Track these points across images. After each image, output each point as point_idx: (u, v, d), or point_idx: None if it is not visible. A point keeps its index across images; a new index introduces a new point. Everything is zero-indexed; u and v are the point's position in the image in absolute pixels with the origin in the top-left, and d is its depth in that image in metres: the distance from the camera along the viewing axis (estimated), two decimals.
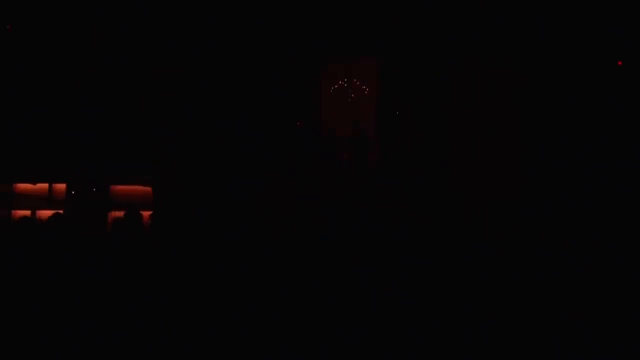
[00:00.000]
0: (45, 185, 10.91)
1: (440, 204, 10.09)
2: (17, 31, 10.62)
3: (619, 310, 5.50)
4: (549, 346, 5.13)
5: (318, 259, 8.45)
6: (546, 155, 9.77)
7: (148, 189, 10.51)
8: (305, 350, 5.50)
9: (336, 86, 12.16)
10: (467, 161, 10.33)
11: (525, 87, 10.07)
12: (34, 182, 10.81)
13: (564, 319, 5.57)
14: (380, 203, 10.21)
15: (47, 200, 10.66)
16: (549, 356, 4.81)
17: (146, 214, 10.18)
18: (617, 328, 5.04)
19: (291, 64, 11.26)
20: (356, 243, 9.23)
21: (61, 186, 10.85)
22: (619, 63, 9.63)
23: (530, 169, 9.84)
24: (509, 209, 9.62)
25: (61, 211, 10.48)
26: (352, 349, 5.44)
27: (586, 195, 9.25)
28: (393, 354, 5.34)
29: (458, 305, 7.14)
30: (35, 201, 10.59)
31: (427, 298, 7.25)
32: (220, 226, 9.51)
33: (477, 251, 8.89)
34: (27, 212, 10.57)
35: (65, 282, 7.36)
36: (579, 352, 4.80)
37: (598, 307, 5.67)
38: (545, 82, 9.85)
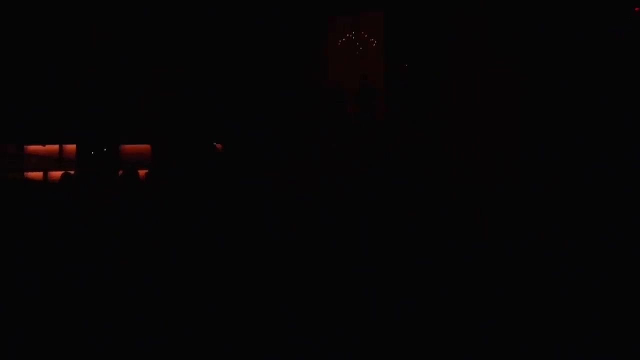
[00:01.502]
0: (56, 147, 11.00)
1: (446, 159, 10.05)
2: None
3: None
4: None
5: (321, 217, 8.49)
6: (552, 114, 9.63)
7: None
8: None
9: (344, 39, 12.00)
10: (472, 114, 10.23)
11: (533, 38, 9.87)
12: (44, 143, 10.91)
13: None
14: (387, 156, 10.19)
15: (57, 160, 10.77)
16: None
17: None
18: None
19: (297, 16, 11.10)
20: (362, 199, 9.24)
21: (71, 147, 10.94)
22: (636, 9, 9.38)
23: (533, 123, 9.72)
24: (510, 160, 9.57)
25: (72, 172, 10.62)
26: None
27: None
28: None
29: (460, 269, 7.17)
30: (46, 162, 10.71)
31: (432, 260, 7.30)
32: (222, 183, 9.56)
33: (477, 206, 8.87)
34: (39, 174, 10.72)
35: (74, 240, 7.49)
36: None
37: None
38: (552, 29, 9.63)
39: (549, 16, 9.67)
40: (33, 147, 10.85)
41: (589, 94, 9.44)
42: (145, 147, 10.69)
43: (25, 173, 10.64)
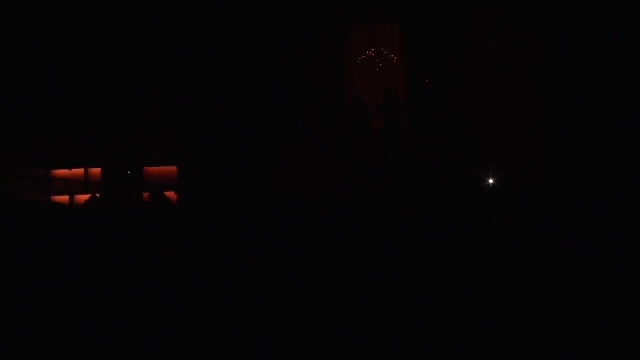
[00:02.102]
0: (81, 170, 11.07)
1: (469, 169, 10.00)
2: (54, 20, 10.77)
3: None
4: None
5: (345, 227, 8.46)
6: (575, 118, 9.58)
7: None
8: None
9: (364, 56, 12.00)
10: (495, 125, 10.20)
11: (550, 61, 9.89)
12: (70, 167, 10.99)
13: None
14: (411, 169, 10.15)
15: (83, 184, 10.83)
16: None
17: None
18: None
19: (315, 33, 11.13)
20: (383, 209, 9.21)
21: (96, 170, 11.00)
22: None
23: (557, 135, 9.69)
24: (533, 172, 9.56)
25: (98, 195, 10.67)
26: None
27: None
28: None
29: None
30: (72, 185, 10.77)
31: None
32: (247, 198, 9.55)
33: (507, 212, 8.80)
34: (65, 197, 10.78)
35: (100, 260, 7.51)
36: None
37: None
38: (566, 48, 9.63)
39: (567, 26, 9.65)
40: (60, 171, 10.92)
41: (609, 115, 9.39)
42: (168, 169, 10.72)
43: (52, 196, 10.71)
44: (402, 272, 7.08)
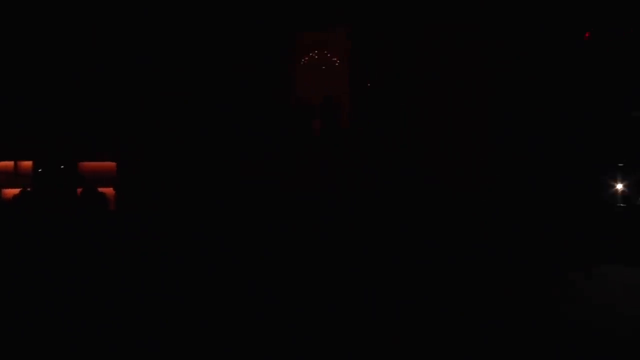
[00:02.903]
0: (11, 163, 10.65)
1: (411, 174, 10.15)
2: None
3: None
4: None
5: (289, 226, 8.47)
6: (514, 124, 9.85)
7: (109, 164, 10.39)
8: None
9: (307, 58, 12.05)
10: (437, 130, 10.38)
11: (496, 57, 10.09)
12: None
13: None
14: (351, 170, 10.24)
15: (13, 177, 10.41)
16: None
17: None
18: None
19: (261, 33, 11.08)
20: (329, 211, 9.25)
21: (27, 163, 10.60)
22: (586, 35, 9.70)
23: (497, 138, 9.92)
24: (476, 172, 9.75)
25: (28, 189, 10.29)
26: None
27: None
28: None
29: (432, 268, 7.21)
30: (1, 178, 10.35)
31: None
32: (190, 200, 9.42)
33: (448, 214, 8.99)
34: None
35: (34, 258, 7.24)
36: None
37: None
38: (516, 52, 9.88)
39: (513, 36, 9.91)
40: None
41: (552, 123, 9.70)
42: (104, 164, 10.43)
43: None
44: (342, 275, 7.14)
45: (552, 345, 4.79)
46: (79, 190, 9.91)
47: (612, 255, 7.86)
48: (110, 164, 10.37)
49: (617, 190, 9.42)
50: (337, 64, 12.04)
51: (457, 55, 10.41)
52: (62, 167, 10.47)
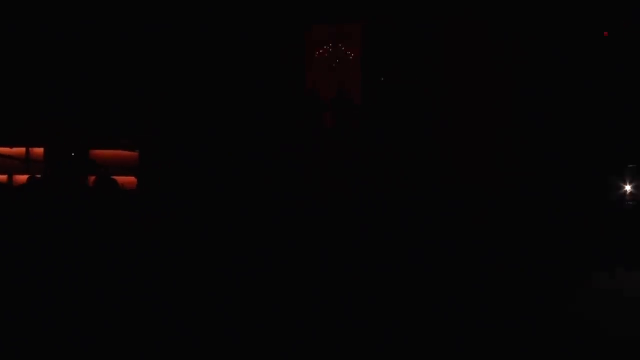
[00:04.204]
0: (22, 149, 10.63)
1: (423, 171, 10.11)
2: None
3: None
4: None
5: (295, 222, 8.45)
6: (536, 122, 9.79)
7: (131, 153, 10.34)
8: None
9: (321, 51, 11.98)
10: (452, 128, 10.32)
11: (513, 54, 10.03)
12: (11, 146, 10.53)
13: None
14: (362, 163, 10.21)
15: (24, 163, 10.41)
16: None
17: (127, 179, 10.04)
18: None
19: (275, 25, 11.01)
20: (337, 207, 9.22)
21: (39, 150, 10.59)
22: (605, 34, 9.63)
23: (519, 137, 9.87)
24: (494, 175, 9.71)
25: (38, 175, 10.25)
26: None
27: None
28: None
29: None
30: (12, 165, 10.33)
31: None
32: (206, 191, 9.41)
33: (461, 216, 8.96)
34: (3, 177, 10.33)
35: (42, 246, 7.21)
36: None
37: None
38: (534, 46, 9.80)
39: (529, 33, 9.84)
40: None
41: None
42: (119, 153, 10.41)
43: None
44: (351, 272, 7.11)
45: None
46: (92, 178, 9.88)
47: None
48: (132, 154, 10.34)
49: (626, 191, 9.49)
50: (351, 57, 11.98)
51: (472, 52, 10.35)
52: (74, 154, 10.44)
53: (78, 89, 10.35)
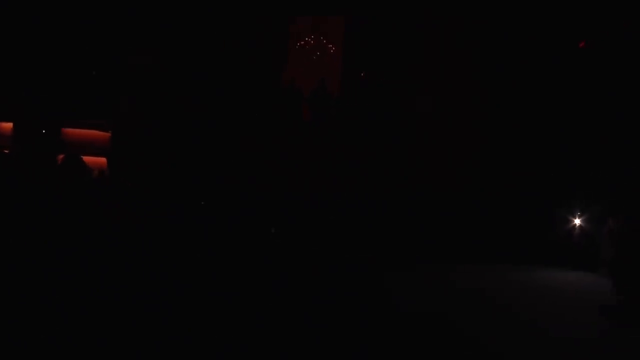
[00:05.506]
0: None
1: (398, 167, 10.11)
2: None
3: None
4: None
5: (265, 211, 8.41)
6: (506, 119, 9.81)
7: (103, 134, 10.13)
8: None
9: (302, 43, 11.90)
10: (429, 124, 10.32)
11: (490, 53, 10.03)
12: None
13: None
14: (338, 156, 10.17)
15: None
16: None
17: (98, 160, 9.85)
18: None
19: (260, 18, 10.88)
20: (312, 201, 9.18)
21: (7, 125, 10.31)
22: (581, 44, 9.65)
23: (492, 134, 9.88)
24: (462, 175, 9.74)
25: (6, 151, 10.00)
26: None
27: None
28: None
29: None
30: None
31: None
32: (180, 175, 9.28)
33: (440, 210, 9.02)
34: None
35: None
36: None
37: None
38: (511, 43, 9.80)
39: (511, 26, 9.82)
40: None
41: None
42: (90, 132, 10.17)
43: None
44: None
45: None
46: (60, 157, 9.65)
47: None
48: (104, 134, 10.12)
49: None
50: (332, 51, 11.92)
51: (452, 49, 10.33)
52: (44, 131, 10.20)
53: (51, 67, 10.09)
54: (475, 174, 9.68)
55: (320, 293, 6.06)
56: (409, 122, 10.46)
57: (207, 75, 10.36)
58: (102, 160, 9.77)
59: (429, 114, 10.30)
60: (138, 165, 9.49)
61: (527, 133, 9.56)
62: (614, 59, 8.70)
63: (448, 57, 10.38)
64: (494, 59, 10.04)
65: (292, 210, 9.13)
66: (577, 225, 8.24)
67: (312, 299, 5.82)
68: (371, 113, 10.75)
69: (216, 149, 9.97)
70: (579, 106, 9.08)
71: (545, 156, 9.29)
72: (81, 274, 5.50)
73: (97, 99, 9.95)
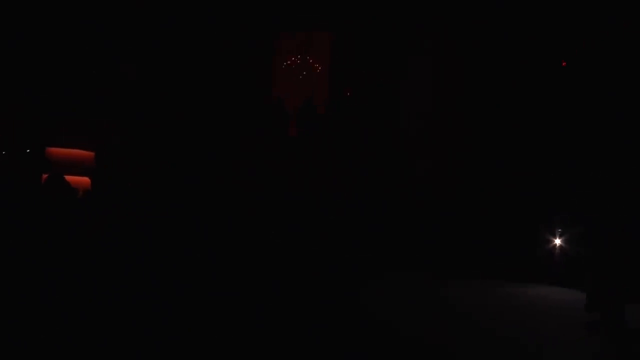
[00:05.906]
0: None
1: (385, 184, 10.14)
2: None
3: None
4: None
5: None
6: (494, 131, 9.84)
7: (88, 153, 10.08)
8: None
9: (288, 62, 11.97)
10: (419, 141, 10.37)
11: (474, 70, 10.11)
12: None
13: None
14: (323, 172, 10.20)
15: None
16: None
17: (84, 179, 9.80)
18: None
19: (244, 36, 10.94)
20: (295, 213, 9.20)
21: None
22: (563, 64, 9.73)
23: (483, 148, 9.92)
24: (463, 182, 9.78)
25: None
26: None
27: None
28: None
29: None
30: None
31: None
32: (167, 191, 9.26)
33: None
34: None
35: None
36: None
37: None
38: (497, 58, 9.86)
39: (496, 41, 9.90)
40: None
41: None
42: (74, 152, 10.12)
43: None
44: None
45: None
46: (44, 176, 9.60)
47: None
48: (88, 153, 10.08)
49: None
50: (319, 70, 11.99)
51: (437, 68, 10.42)
52: (28, 151, 10.15)
53: (35, 86, 10.07)
54: (462, 189, 9.72)
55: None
56: (395, 140, 10.52)
57: (192, 93, 10.39)
58: (86, 180, 9.73)
59: (414, 131, 10.37)
60: (122, 183, 9.46)
61: (510, 152, 9.62)
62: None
63: (434, 74, 10.47)
64: (480, 75, 10.11)
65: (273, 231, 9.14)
66: (558, 244, 8.15)
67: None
68: (357, 129, 10.81)
69: (202, 164, 9.96)
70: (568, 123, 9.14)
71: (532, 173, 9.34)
72: (67, 292, 5.47)
73: (82, 118, 9.93)
